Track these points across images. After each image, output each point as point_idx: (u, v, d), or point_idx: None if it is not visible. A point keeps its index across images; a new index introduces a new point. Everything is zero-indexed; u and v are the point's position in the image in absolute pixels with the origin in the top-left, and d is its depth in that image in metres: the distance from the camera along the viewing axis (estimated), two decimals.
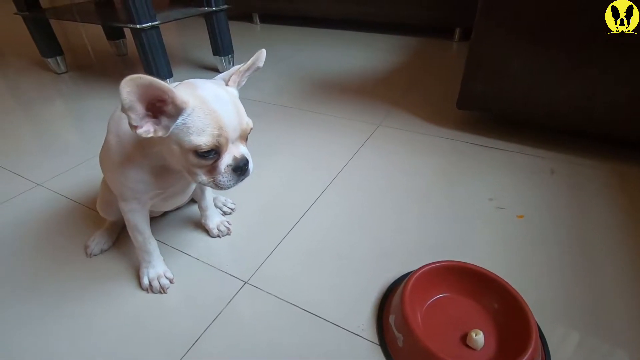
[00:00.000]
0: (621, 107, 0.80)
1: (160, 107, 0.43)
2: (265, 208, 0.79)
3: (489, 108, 0.98)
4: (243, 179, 0.50)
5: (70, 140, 1.13)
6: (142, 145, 0.50)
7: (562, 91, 0.84)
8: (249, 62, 0.52)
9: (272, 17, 2.41)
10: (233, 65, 1.57)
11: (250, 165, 0.50)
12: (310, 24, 2.27)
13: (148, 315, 0.58)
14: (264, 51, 0.52)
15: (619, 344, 0.51)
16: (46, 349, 0.54)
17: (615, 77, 0.78)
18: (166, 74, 1.27)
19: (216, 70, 1.57)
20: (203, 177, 0.48)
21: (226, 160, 0.48)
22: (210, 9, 1.38)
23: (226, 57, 1.52)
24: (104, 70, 1.68)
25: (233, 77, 0.51)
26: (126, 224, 0.60)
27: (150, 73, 1.21)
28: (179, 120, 0.44)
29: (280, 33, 2.18)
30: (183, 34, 2.28)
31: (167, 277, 0.63)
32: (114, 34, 1.78)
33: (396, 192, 0.82)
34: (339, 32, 2.10)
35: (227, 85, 0.51)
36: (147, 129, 0.43)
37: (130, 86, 0.39)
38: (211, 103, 0.45)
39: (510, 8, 0.81)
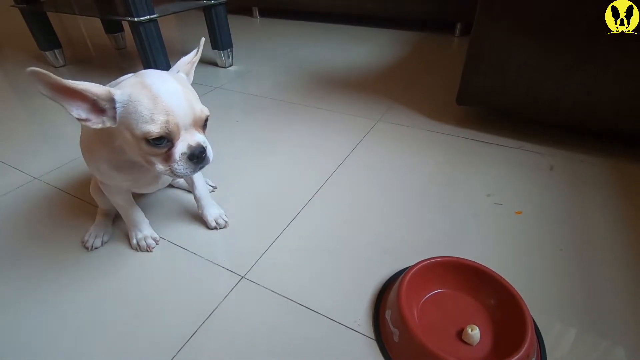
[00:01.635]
0: (623, 103, 0.79)
1: (97, 102, 0.45)
2: (262, 203, 0.79)
3: (489, 104, 0.98)
4: (202, 167, 0.50)
5: (67, 134, 1.13)
6: (104, 139, 0.52)
7: (563, 87, 0.83)
8: (198, 51, 0.56)
9: (272, 11, 2.39)
10: (232, 59, 1.57)
11: (209, 153, 0.51)
12: (310, 18, 2.26)
13: (144, 309, 0.58)
14: (203, 39, 0.59)
15: (616, 342, 0.51)
16: (47, 343, 0.54)
17: (617, 73, 0.77)
18: (164, 68, 1.26)
19: (215, 65, 1.56)
20: (160, 166, 0.49)
21: (180, 149, 0.48)
22: (209, 2, 1.37)
23: (225, 51, 1.51)
24: (103, 64, 1.67)
25: (186, 67, 0.54)
26: (109, 198, 0.64)
27: (149, 66, 1.21)
28: (120, 109, 0.45)
29: (280, 27, 2.16)
30: (182, 28, 2.26)
31: (152, 238, 0.68)
32: (113, 28, 1.77)
33: (394, 188, 0.82)
34: (339, 27, 2.09)
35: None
36: (95, 120, 0.46)
37: (33, 80, 0.40)
38: (157, 90, 0.45)
39: (511, 2, 0.80)
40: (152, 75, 0.47)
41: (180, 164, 0.48)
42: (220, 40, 1.48)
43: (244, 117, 1.14)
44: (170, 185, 0.84)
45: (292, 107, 1.19)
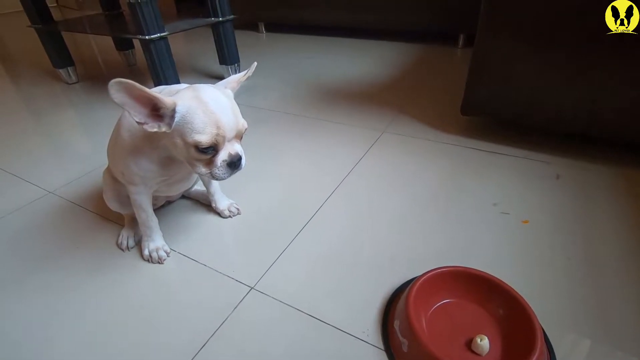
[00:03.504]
0: (627, 110, 0.80)
1: (159, 108, 0.51)
2: (271, 214, 0.80)
3: (493, 113, 0.98)
4: (236, 172, 0.57)
5: (81, 148, 1.16)
6: (150, 138, 0.56)
7: (566, 95, 0.84)
8: (248, 73, 0.60)
9: (278, 26, 2.44)
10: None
11: (243, 161, 0.57)
12: (315, 32, 2.30)
13: (155, 320, 0.59)
14: (255, 64, 0.62)
15: (630, 352, 0.51)
16: (54, 352, 0.55)
17: (620, 80, 0.78)
18: (174, 83, 1.29)
19: (222, 79, 1.59)
20: (202, 169, 0.55)
21: (222, 156, 0.54)
22: (217, 20, 1.40)
23: (232, 66, 1.54)
24: None
25: (233, 84, 0.59)
26: (132, 203, 0.67)
27: (159, 82, 1.24)
28: (178, 118, 0.51)
29: (285, 41, 2.21)
30: (190, 44, 2.32)
31: (164, 251, 0.70)
32: (124, 45, 1.82)
33: (401, 198, 0.82)
34: (344, 40, 2.13)
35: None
36: (152, 124, 0.51)
37: (115, 88, 0.46)
38: (211, 106, 0.51)
39: (512, 13, 0.82)
40: (207, 91, 0.53)
41: (220, 169, 0.55)
42: (227, 56, 1.51)
43: (251, 130, 1.15)
44: (183, 196, 0.86)
45: (298, 120, 1.21)
